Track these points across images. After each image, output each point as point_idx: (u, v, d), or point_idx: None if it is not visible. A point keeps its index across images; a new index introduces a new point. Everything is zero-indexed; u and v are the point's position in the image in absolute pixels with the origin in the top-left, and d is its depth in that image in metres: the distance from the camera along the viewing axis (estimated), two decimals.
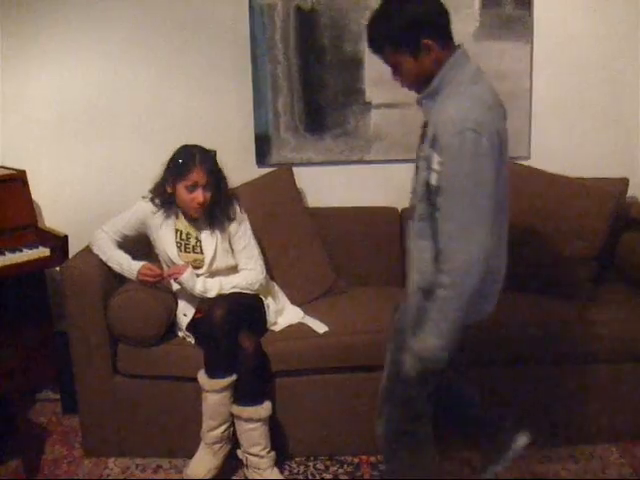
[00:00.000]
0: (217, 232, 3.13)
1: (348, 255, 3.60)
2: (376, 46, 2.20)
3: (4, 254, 3.33)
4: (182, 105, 3.74)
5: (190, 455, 2.96)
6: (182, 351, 3.06)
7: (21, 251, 3.39)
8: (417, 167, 2.27)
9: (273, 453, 2.95)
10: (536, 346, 3.03)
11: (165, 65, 3.71)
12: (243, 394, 2.90)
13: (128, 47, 3.69)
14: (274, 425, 3.00)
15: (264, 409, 2.90)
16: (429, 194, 2.16)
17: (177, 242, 3.15)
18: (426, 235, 2.21)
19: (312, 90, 3.70)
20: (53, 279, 3.72)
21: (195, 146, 3.05)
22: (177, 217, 3.15)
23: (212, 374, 2.88)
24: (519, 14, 3.57)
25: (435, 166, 2.11)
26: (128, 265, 3.10)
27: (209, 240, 3.13)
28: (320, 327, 3.10)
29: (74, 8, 3.64)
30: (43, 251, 3.43)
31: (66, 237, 3.46)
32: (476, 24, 3.58)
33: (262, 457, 2.91)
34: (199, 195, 3.00)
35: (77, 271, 3.03)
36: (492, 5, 3.56)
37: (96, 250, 3.16)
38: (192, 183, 2.99)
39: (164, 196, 3.10)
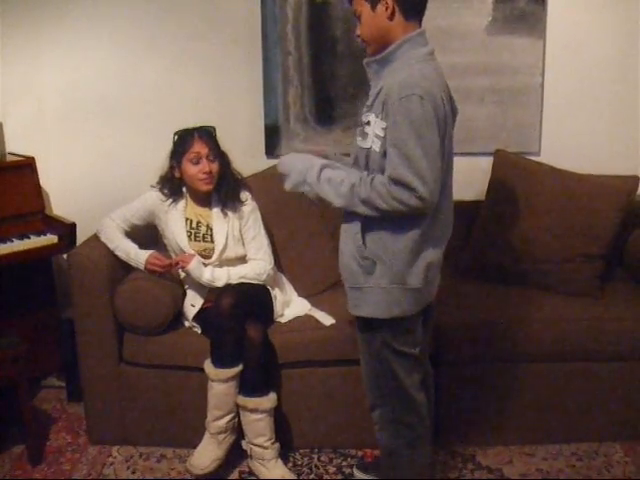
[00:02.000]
0: (229, 219, 3.12)
1: None
2: None
3: (12, 241, 3.34)
4: (192, 95, 3.74)
5: (194, 445, 2.96)
6: (188, 340, 3.06)
7: (29, 238, 3.40)
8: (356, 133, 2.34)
9: (277, 444, 2.94)
10: (543, 343, 3.02)
11: (175, 56, 3.71)
12: (249, 385, 2.89)
13: (138, 36, 3.69)
14: (279, 416, 3.00)
15: (269, 400, 2.90)
16: (366, 160, 2.25)
17: (187, 231, 3.14)
18: None
19: (322, 82, 3.69)
20: (60, 266, 3.72)
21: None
22: (186, 205, 3.16)
23: (218, 363, 2.87)
24: (533, 9, 3.54)
25: (379, 132, 2.19)
26: (135, 254, 3.10)
27: (220, 228, 3.12)
28: (327, 319, 3.09)
29: (87, 1, 3.64)
30: (51, 238, 3.43)
31: (74, 225, 3.46)
32: (489, 18, 3.56)
33: (266, 448, 2.91)
34: (204, 165, 3.04)
35: (84, 259, 3.02)
36: None
37: (103, 238, 3.15)
38: (195, 154, 3.04)
39: (173, 182, 3.13)
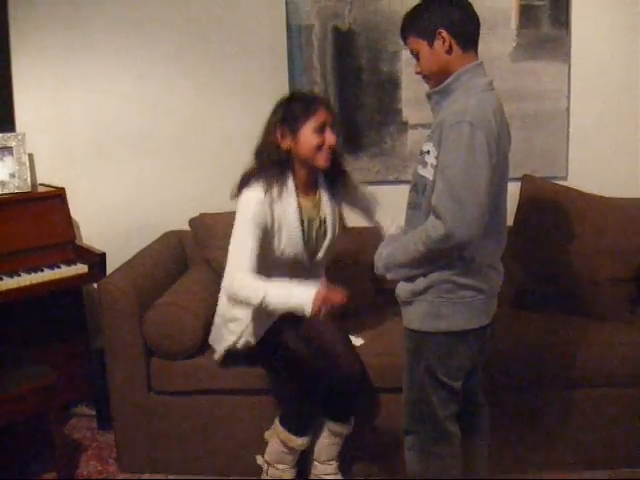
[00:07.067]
0: (334, 208, 2.83)
1: None
2: (404, 34, 2.36)
3: (43, 270, 3.37)
4: (219, 125, 3.78)
5: (225, 473, 2.97)
6: (214, 364, 3.05)
7: (59, 268, 3.44)
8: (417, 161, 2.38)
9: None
10: (572, 368, 2.98)
11: (202, 86, 3.76)
12: (343, 410, 2.85)
13: (166, 67, 3.74)
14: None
15: (352, 425, 2.88)
16: (424, 188, 2.28)
17: (301, 230, 2.72)
18: (415, 223, 2.31)
19: (349, 110, 3.71)
20: (90, 296, 3.75)
21: None
22: (297, 194, 2.72)
23: (301, 432, 2.80)
24: (556, 34, 3.55)
25: (432, 160, 2.23)
26: (298, 293, 2.50)
27: (332, 218, 2.81)
28: (357, 340, 3.05)
29: (112, 30, 3.71)
30: (81, 268, 3.47)
31: (104, 254, 3.49)
32: (513, 44, 3.57)
33: (331, 465, 2.90)
34: (330, 136, 2.63)
35: (114, 288, 3.05)
36: (529, 25, 3.56)
37: (248, 300, 2.58)
38: (320, 123, 2.61)
39: (279, 157, 2.66)
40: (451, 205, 2.12)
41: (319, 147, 2.62)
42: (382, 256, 2.39)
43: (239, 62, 3.72)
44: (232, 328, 2.88)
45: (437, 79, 2.31)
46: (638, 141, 3.69)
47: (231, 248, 2.62)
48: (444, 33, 2.24)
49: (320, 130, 2.61)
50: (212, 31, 3.70)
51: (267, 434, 2.95)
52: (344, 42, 3.65)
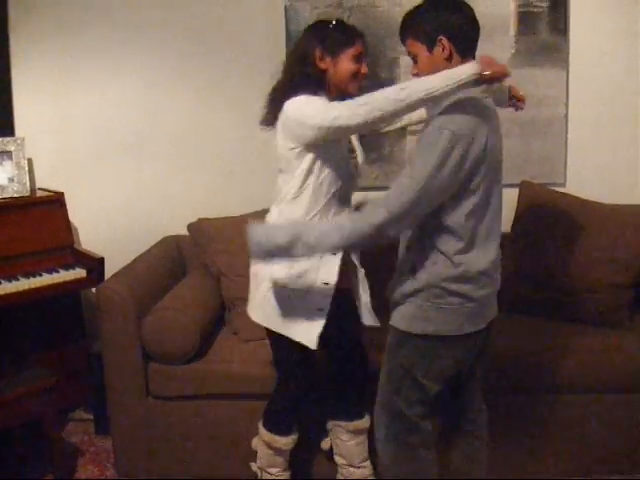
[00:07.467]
0: None
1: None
2: (403, 35, 2.35)
3: (41, 275, 3.38)
4: (218, 130, 3.78)
5: (221, 478, 2.94)
6: (212, 368, 3.06)
7: (58, 272, 3.44)
8: None
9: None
10: (570, 374, 2.99)
11: (201, 91, 3.76)
12: (356, 407, 2.84)
13: (164, 73, 3.75)
14: None
15: (369, 418, 2.83)
16: None
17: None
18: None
19: None
20: (89, 300, 3.76)
21: None
22: None
23: (280, 430, 2.80)
24: (555, 41, 3.57)
25: None
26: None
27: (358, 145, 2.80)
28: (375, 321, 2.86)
29: (111, 35, 3.72)
30: (79, 272, 3.47)
31: (102, 259, 3.49)
32: (512, 51, 3.59)
33: (367, 467, 2.90)
34: (364, 66, 2.65)
35: (112, 293, 3.05)
36: (528, 32, 3.57)
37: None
38: (359, 52, 2.62)
39: (315, 73, 2.60)
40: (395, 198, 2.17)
41: (355, 75, 2.63)
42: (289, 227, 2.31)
43: (238, 67, 3.72)
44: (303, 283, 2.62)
45: None
46: (636, 148, 3.70)
47: None
48: (444, 40, 2.23)
49: (358, 59, 2.63)
50: (212, 36, 3.71)
51: (254, 442, 2.94)
52: None
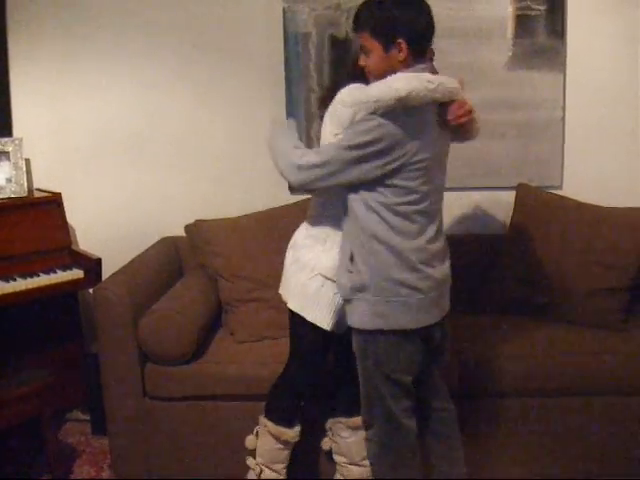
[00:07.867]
0: None
1: None
2: (358, 26, 2.30)
3: (38, 275, 3.38)
4: (216, 132, 3.78)
5: (219, 478, 2.95)
6: (210, 370, 3.06)
7: (55, 273, 3.44)
8: None
9: None
10: (566, 377, 3.00)
11: (199, 93, 3.76)
12: (354, 403, 2.76)
13: (163, 74, 3.75)
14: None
15: None
16: None
17: None
18: None
19: None
20: (86, 301, 3.76)
21: None
22: None
23: (288, 421, 2.78)
24: (552, 44, 3.57)
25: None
26: None
27: None
28: None
29: (111, 37, 3.72)
30: (77, 273, 3.47)
31: (99, 260, 3.49)
32: (509, 53, 3.59)
33: (364, 466, 2.86)
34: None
35: (109, 293, 3.04)
36: (525, 35, 3.57)
37: None
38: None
39: None
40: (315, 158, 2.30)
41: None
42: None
43: (237, 69, 3.73)
44: None
45: (379, 79, 2.25)
46: (633, 150, 3.71)
47: None
48: (403, 44, 2.20)
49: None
50: (210, 38, 3.71)
51: (249, 441, 2.89)
52: (341, 50, 3.66)
